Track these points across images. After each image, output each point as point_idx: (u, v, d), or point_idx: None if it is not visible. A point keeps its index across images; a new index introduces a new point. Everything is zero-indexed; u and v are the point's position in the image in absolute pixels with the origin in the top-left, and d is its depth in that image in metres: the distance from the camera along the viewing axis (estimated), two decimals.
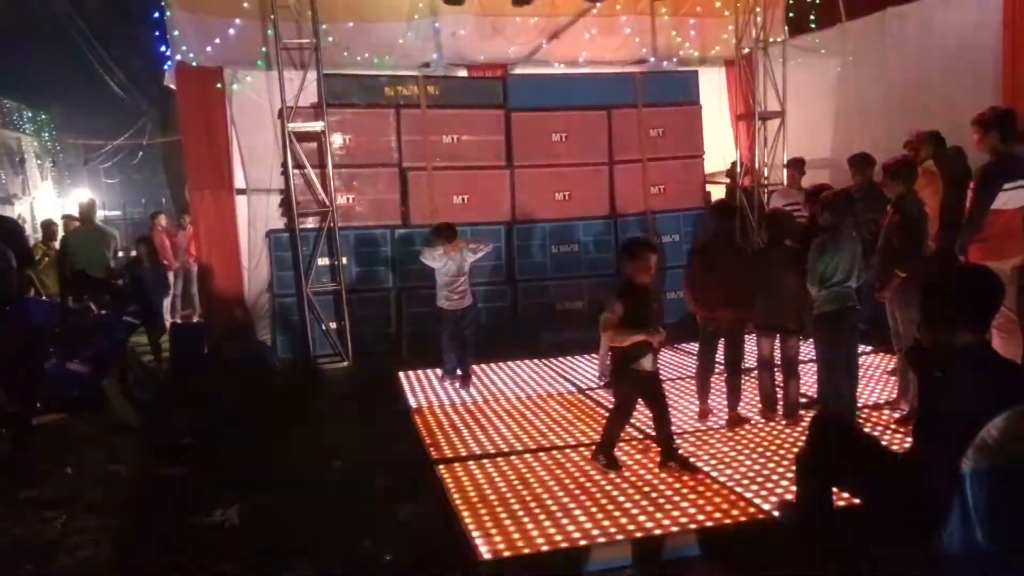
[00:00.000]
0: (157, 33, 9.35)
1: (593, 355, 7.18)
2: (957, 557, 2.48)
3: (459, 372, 7.00)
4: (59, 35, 15.56)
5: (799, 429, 5.20)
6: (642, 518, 4.01)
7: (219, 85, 8.38)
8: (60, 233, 10.28)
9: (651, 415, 4.83)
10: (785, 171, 8.79)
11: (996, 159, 5.11)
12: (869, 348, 6.92)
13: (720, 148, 10.30)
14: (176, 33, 8.64)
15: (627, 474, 4.64)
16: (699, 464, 4.67)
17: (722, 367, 5.67)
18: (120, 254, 10.17)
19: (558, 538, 3.84)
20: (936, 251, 5.77)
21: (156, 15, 9.24)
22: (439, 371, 7.26)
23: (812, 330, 5.38)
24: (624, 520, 4.00)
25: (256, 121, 8.45)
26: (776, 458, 4.77)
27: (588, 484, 4.51)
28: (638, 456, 4.95)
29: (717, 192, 10.62)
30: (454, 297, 6.89)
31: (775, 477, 4.46)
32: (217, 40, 8.68)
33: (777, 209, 7.06)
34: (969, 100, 7.23)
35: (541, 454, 5.11)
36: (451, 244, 6.79)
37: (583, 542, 3.79)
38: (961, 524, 2.46)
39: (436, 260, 6.83)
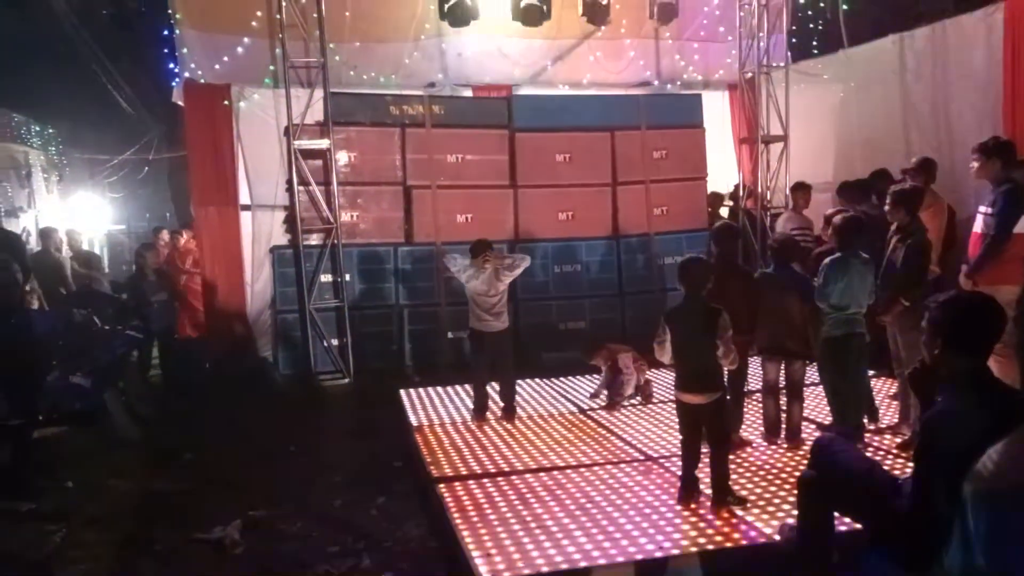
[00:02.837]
0: (166, 50, 9.45)
1: (595, 376, 7.17)
2: None
3: (501, 404, 6.52)
4: (68, 51, 15.68)
5: (801, 453, 5.19)
6: (643, 540, 4.00)
7: (226, 102, 8.45)
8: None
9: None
10: (789, 195, 8.80)
11: (1013, 185, 5.15)
12: (871, 373, 6.91)
13: (723, 171, 10.36)
14: (185, 50, 8.74)
15: (628, 496, 4.63)
16: (701, 487, 4.65)
17: None
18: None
19: (559, 559, 3.82)
20: (940, 276, 5.79)
21: (165, 32, 9.36)
22: (469, 407, 6.62)
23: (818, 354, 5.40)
24: (625, 542, 3.98)
25: (262, 138, 8.51)
26: (778, 482, 4.76)
27: (589, 505, 4.49)
28: (639, 477, 4.95)
29: (723, 214, 10.65)
30: (487, 318, 6.35)
31: (777, 501, 4.44)
32: (225, 58, 8.78)
33: (784, 233, 7.10)
34: (970, 127, 7.32)
35: (542, 474, 5.09)
36: (481, 259, 6.32)
37: (584, 563, 3.77)
38: (962, 549, 2.46)
39: (463, 271, 6.40)
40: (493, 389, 6.63)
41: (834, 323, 5.20)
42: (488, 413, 6.52)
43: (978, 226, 5.37)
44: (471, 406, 6.59)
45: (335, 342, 8.39)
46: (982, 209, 5.34)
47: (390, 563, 4.09)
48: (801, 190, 8.33)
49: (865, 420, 5.60)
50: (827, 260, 5.26)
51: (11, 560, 4.32)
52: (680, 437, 4.61)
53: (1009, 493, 2.41)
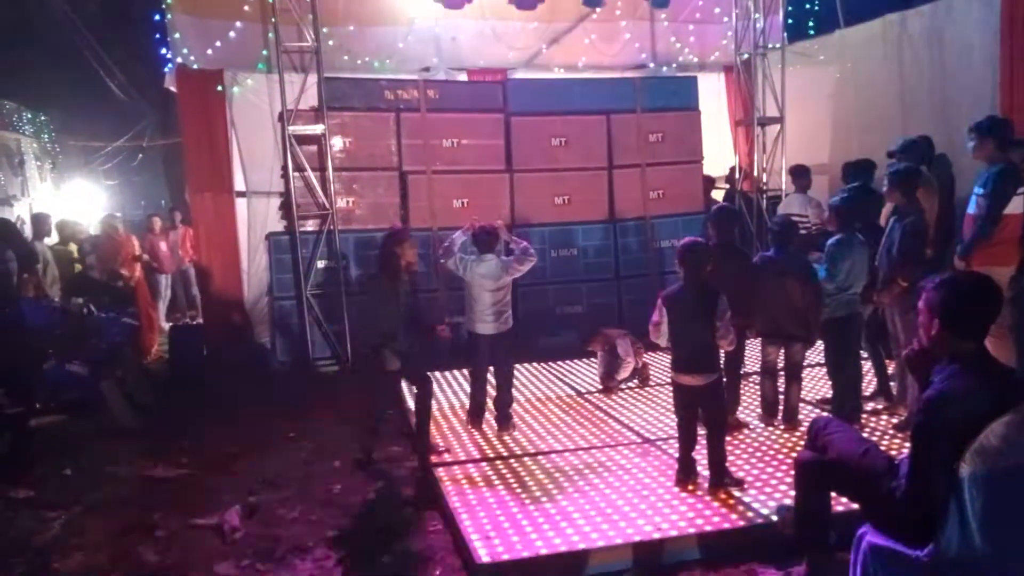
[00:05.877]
0: (158, 36, 9.36)
1: (592, 360, 7.18)
2: (955, 561, 2.49)
3: (496, 411, 5.89)
4: (60, 37, 15.57)
5: (798, 434, 5.21)
6: (641, 522, 4.02)
7: (219, 88, 8.37)
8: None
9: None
10: (790, 178, 8.71)
11: (1006, 165, 5.13)
12: (866, 354, 6.92)
13: (719, 153, 10.32)
14: (177, 36, 8.65)
15: (626, 478, 4.65)
16: (698, 469, 4.67)
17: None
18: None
19: (557, 542, 3.84)
20: (934, 257, 5.79)
21: (157, 18, 9.27)
22: (467, 390, 6.24)
23: (821, 336, 5.44)
24: (623, 524, 4.00)
25: (256, 124, 8.44)
26: (775, 463, 4.78)
27: (587, 488, 4.51)
28: (637, 460, 4.96)
29: (716, 197, 10.63)
30: (487, 318, 5.68)
31: (774, 482, 4.46)
32: (218, 43, 8.70)
33: (784, 216, 7.07)
34: (967, 108, 7.29)
35: (540, 457, 5.11)
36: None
37: (582, 546, 3.79)
38: (959, 528, 2.47)
39: (459, 266, 5.74)
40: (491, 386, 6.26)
41: (837, 304, 5.24)
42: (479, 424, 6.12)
43: (972, 207, 5.37)
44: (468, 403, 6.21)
45: (332, 328, 8.38)
46: (976, 190, 5.34)
47: (388, 547, 4.10)
48: (801, 173, 8.23)
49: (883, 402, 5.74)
50: (831, 241, 5.29)
51: (10, 548, 4.33)
52: (677, 419, 4.62)
53: (1007, 473, 2.42)
